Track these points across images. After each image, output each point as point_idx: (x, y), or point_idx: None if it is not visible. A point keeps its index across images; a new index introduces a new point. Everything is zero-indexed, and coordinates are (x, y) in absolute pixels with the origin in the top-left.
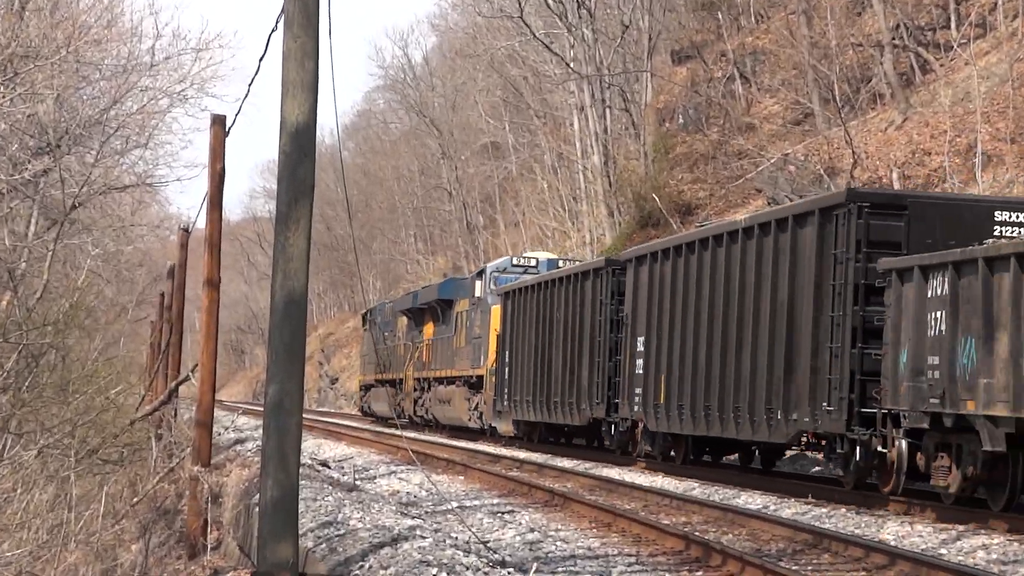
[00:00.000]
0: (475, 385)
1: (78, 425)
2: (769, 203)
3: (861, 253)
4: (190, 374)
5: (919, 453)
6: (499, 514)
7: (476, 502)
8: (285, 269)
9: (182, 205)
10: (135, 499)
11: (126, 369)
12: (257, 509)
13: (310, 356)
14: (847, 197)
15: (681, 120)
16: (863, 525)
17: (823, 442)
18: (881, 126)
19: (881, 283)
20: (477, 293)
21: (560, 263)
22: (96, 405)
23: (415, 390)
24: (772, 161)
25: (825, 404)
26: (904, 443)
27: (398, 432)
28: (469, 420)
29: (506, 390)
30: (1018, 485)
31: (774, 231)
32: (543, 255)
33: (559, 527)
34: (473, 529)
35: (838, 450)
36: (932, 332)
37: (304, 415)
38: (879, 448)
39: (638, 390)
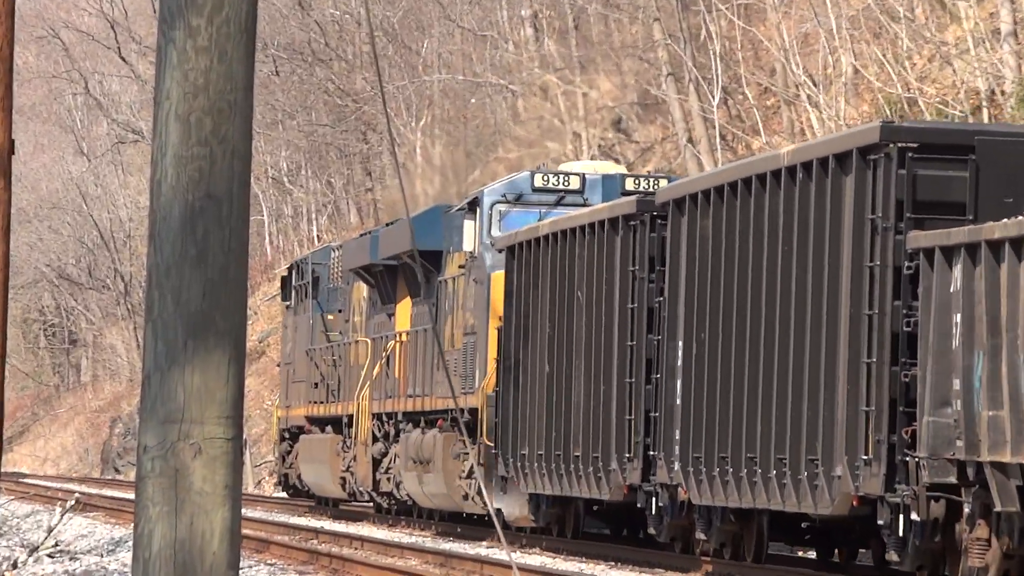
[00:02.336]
0: (468, 427)
1: None
2: None
3: (904, 220)
4: None
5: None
6: None
7: None
8: (186, 118)
9: None
10: None
11: None
12: None
13: (258, 355)
14: (881, 135)
15: None
16: None
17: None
18: None
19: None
20: (467, 244)
21: (636, 183)
22: None
23: (375, 439)
24: None
25: (862, 453)
26: (936, 504)
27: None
28: (465, 499)
29: (511, 438)
30: None
31: (800, 182)
32: (595, 167)
33: None
34: None
35: (879, 520)
36: (953, 343)
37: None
38: (915, 515)
39: (677, 434)
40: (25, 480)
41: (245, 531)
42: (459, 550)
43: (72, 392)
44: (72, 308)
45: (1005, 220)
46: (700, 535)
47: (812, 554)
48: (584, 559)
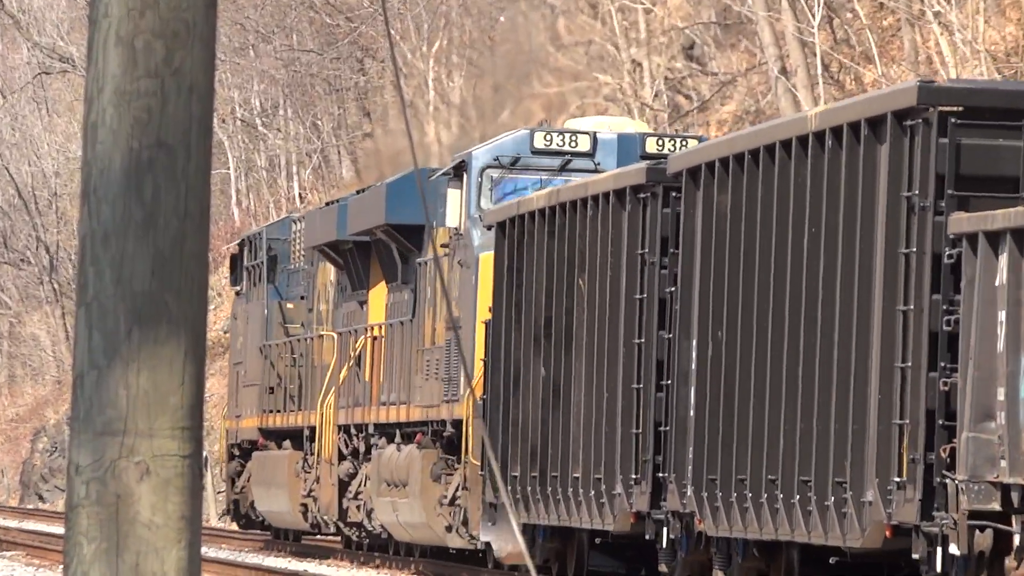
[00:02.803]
0: (451, 443)
1: None
2: None
3: (945, 199)
4: None
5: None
6: None
7: None
8: (130, 42)
9: None
10: None
11: None
12: None
13: (223, 350)
14: (919, 97)
15: None
16: None
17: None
18: None
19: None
20: (451, 219)
21: (660, 144)
22: None
23: (342, 457)
24: None
25: (896, 475)
26: (981, 535)
27: None
28: (449, 530)
29: (501, 456)
30: None
31: (829, 150)
32: (610, 123)
33: None
34: None
35: (914, 555)
36: (998, 345)
37: None
38: (954, 548)
39: (690, 453)
40: None
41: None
42: None
43: None
44: None
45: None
46: (719, 573)
47: None
48: None
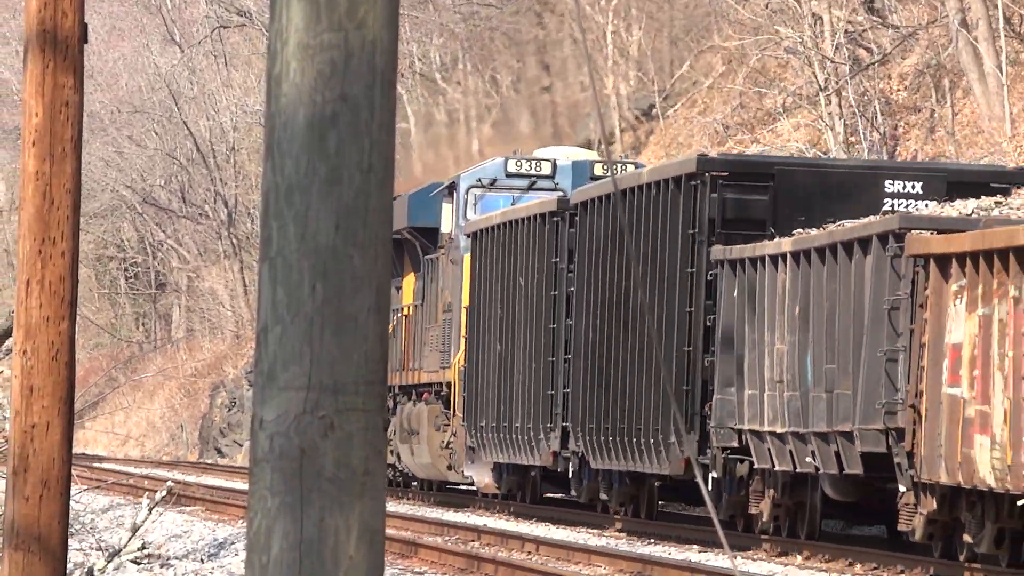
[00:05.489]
0: (447, 401)
1: None
2: None
3: (715, 235)
4: None
5: None
6: None
7: None
8: None
9: None
10: None
11: None
12: None
13: None
14: (698, 166)
15: None
16: None
17: None
18: None
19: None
20: (445, 226)
21: (604, 169)
22: None
23: (393, 410)
24: None
25: (684, 424)
26: (742, 465)
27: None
28: (449, 469)
29: (474, 410)
30: None
31: (653, 197)
32: (567, 153)
33: None
34: None
35: (696, 479)
36: (734, 337)
37: None
38: (714, 473)
39: (580, 408)
40: (102, 465)
41: (388, 530)
42: (659, 555)
43: (161, 352)
44: (160, 243)
45: (764, 242)
46: (603, 495)
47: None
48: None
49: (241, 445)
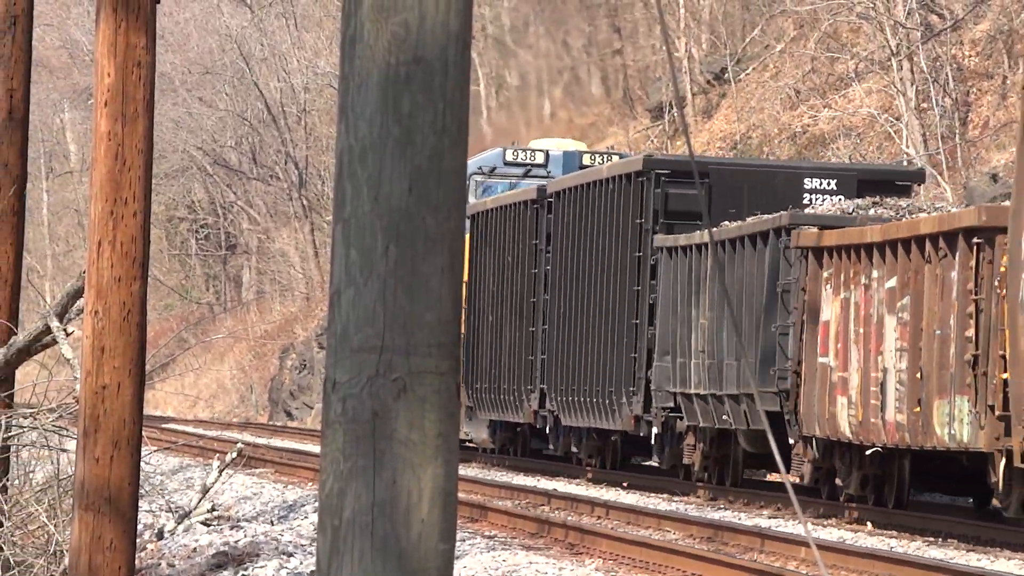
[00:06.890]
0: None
1: None
2: None
3: (659, 224)
4: (52, 323)
5: None
6: None
7: None
8: None
9: None
10: None
11: None
12: None
13: None
14: (644, 165)
15: None
16: None
17: None
18: None
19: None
20: None
21: (592, 159)
22: None
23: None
24: None
25: (632, 386)
26: (681, 422)
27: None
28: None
29: (472, 373)
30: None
31: (610, 191)
32: (560, 144)
33: None
34: None
35: (640, 434)
36: (670, 312)
37: None
38: (655, 429)
39: (554, 372)
40: (171, 426)
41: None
42: (732, 521)
43: (231, 313)
44: (231, 204)
45: (696, 232)
46: (574, 448)
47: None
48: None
49: (311, 407)
